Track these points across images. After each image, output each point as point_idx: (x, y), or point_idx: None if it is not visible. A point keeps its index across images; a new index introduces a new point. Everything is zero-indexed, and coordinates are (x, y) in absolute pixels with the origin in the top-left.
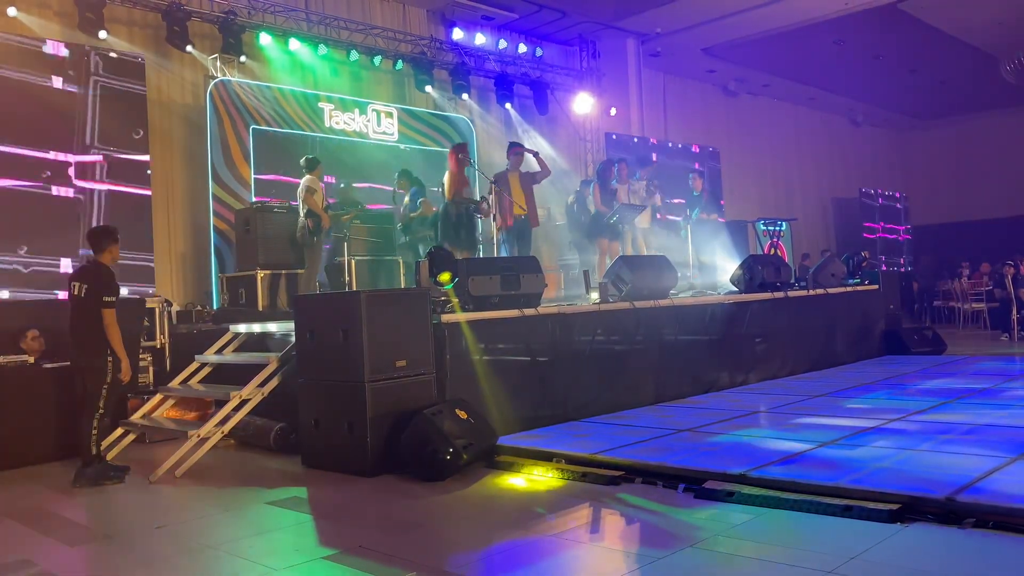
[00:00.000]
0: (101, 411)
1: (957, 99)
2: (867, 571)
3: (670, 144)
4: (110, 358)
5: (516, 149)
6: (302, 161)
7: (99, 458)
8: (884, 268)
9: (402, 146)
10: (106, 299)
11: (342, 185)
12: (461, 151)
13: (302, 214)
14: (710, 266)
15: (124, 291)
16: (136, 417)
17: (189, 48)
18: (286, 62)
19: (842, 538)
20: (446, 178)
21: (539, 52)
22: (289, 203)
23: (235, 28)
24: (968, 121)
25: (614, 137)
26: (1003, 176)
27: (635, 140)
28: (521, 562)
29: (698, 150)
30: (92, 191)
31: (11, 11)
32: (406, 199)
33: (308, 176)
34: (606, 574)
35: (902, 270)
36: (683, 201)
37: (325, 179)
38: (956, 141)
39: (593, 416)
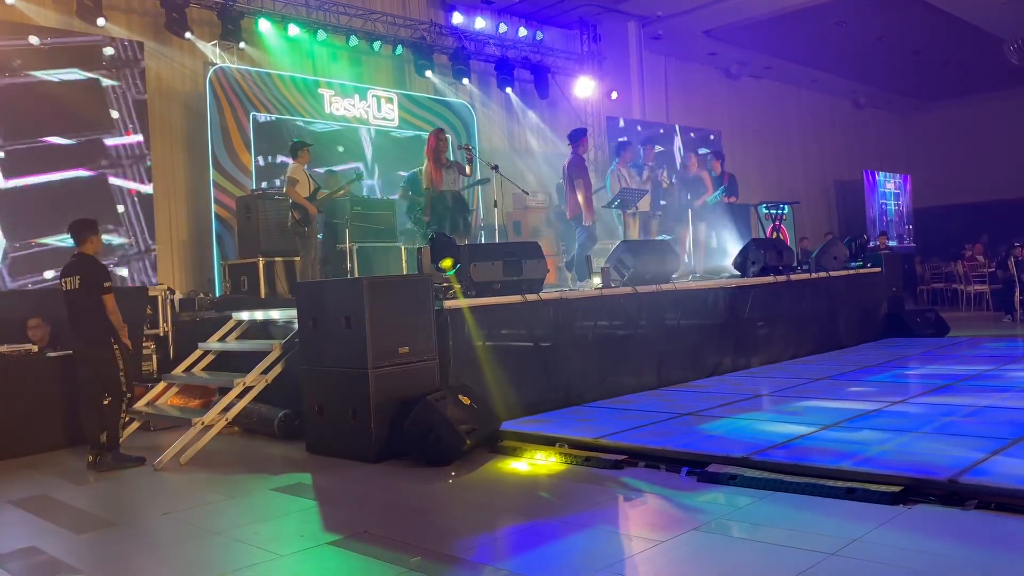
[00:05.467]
0: (129, 396)
1: (961, 80)
2: (870, 553)
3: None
4: (116, 345)
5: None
6: (290, 146)
7: (119, 444)
8: (889, 250)
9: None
10: (105, 285)
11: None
12: (436, 138)
13: (290, 205)
14: (713, 251)
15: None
16: (140, 405)
17: (188, 35)
18: (285, 48)
19: (845, 520)
20: (425, 166)
21: (539, 36)
22: None
23: (234, 14)
24: (972, 102)
25: (638, 126)
26: (1007, 157)
27: (642, 125)
28: (525, 546)
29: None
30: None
31: None
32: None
33: (292, 165)
34: (609, 558)
35: (905, 252)
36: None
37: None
38: (959, 122)
39: (596, 401)
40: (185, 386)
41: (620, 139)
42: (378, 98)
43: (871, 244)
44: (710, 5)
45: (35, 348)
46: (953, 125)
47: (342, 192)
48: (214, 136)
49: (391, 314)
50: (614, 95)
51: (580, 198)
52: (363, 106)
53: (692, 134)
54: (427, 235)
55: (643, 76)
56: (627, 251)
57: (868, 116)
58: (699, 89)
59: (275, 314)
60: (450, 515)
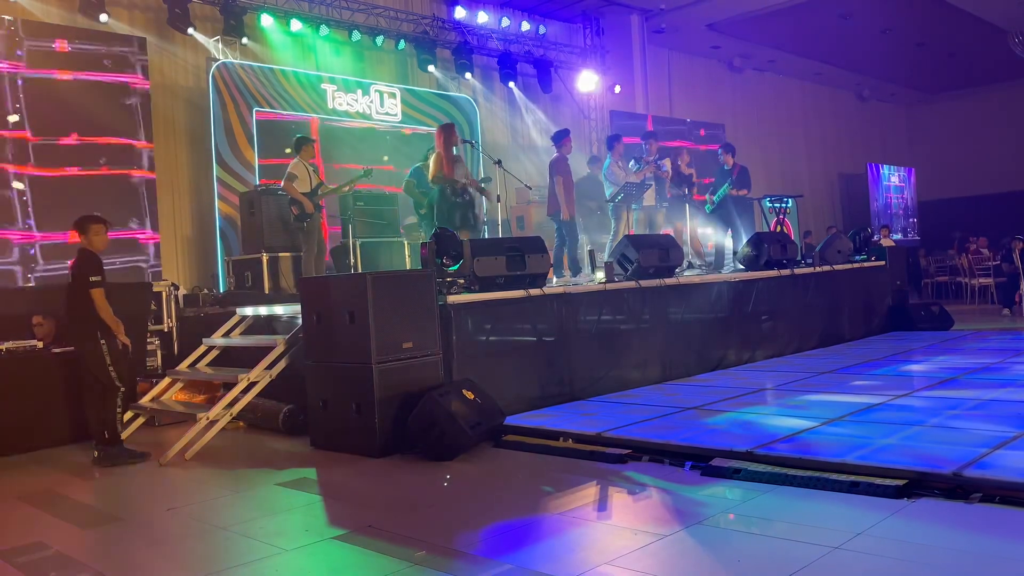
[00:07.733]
0: (123, 390)
1: (965, 72)
2: (873, 547)
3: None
4: (103, 340)
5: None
6: (293, 141)
7: (120, 438)
8: (894, 243)
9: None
10: (92, 279)
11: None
12: (448, 132)
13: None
14: (716, 245)
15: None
16: (145, 400)
17: (191, 31)
18: (288, 43)
19: (849, 514)
20: (432, 159)
21: (542, 30)
22: None
23: (236, 9)
24: (976, 95)
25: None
26: (1012, 150)
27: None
28: (529, 540)
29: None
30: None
31: None
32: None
33: (293, 160)
34: (613, 551)
35: (909, 245)
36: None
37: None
38: (964, 115)
39: (599, 395)
40: (189, 381)
41: (610, 134)
42: (381, 93)
43: (875, 237)
44: None
45: (40, 344)
46: (958, 117)
47: (348, 188)
48: (217, 132)
49: (395, 309)
50: (617, 89)
51: (560, 193)
52: (366, 101)
53: (702, 130)
54: (432, 229)
55: (646, 70)
56: (631, 245)
57: (872, 109)
58: (702, 83)
59: (279, 309)
60: (454, 509)
